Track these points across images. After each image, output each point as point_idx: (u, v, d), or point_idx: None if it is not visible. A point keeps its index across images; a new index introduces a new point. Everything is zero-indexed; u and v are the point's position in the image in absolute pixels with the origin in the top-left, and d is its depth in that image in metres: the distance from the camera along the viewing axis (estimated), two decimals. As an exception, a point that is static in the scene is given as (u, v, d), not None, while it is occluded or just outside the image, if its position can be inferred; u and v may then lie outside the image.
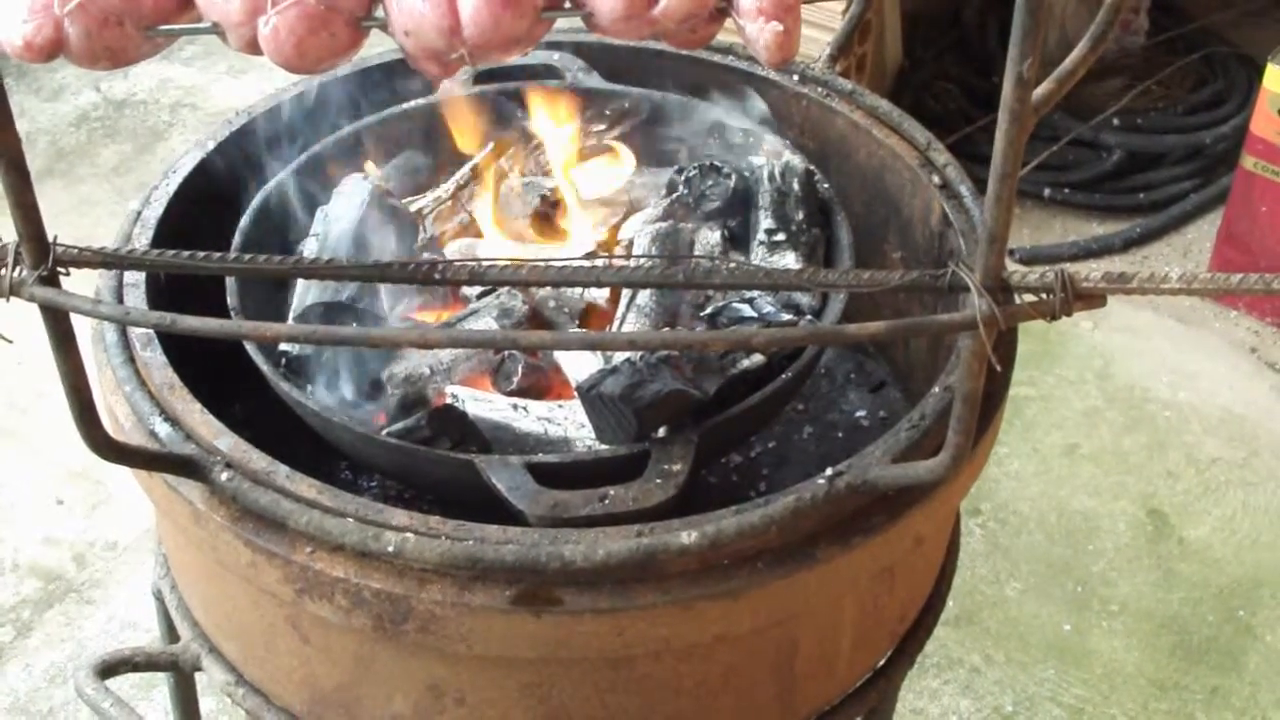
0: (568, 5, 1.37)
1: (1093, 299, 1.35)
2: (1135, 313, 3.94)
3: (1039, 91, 1.24)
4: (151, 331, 1.69)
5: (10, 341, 1.42)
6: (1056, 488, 3.51)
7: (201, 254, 1.33)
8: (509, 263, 1.32)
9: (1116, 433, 3.65)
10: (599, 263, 1.69)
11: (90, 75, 4.98)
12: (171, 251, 1.33)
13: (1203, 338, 3.94)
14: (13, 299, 1.32)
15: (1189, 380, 3.79)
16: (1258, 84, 3.76)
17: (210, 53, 5.06)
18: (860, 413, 2.09)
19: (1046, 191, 4.26)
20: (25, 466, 3.63)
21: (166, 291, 1.80)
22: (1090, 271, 1.35)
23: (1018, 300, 1.34)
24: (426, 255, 1.88)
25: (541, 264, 1.32)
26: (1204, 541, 3.38)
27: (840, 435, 2.06)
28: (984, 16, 4.60)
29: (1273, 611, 3.22)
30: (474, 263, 1.33)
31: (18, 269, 1.32)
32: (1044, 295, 1.33)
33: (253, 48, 1.35)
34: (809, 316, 1.72)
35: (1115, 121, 4.25)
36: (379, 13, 1.36)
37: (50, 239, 1.31)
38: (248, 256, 1.32)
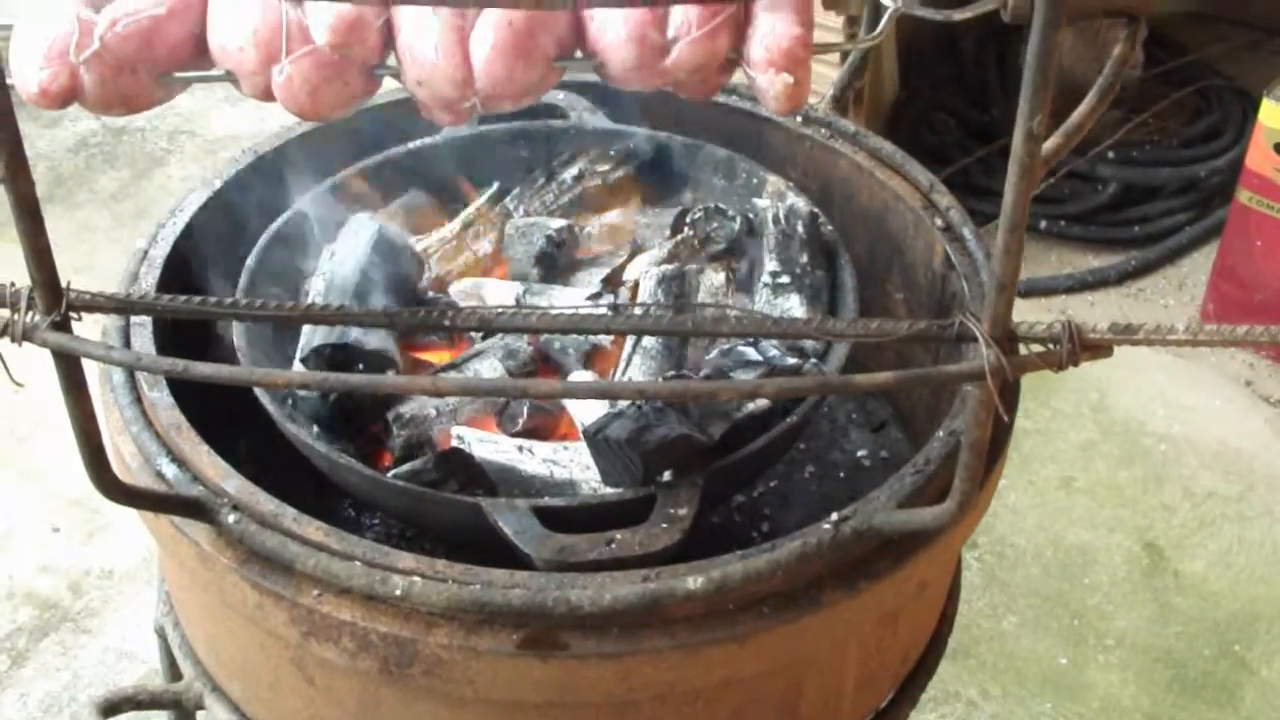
0: (579, 55, 1.38)
1: (1099, 349, 1.36)
2: (1131, 348, 3.94)
3: (1047, 145, 1.24)
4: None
5: (21, 386, 1.43)
6: (1053, 521, 3.51)
7: (213, 300, 1.33)
8: (518, 309, 1.33)
9: (1112, 466, 3.66)
10: (607, 310, 1.70)
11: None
12: (183, 297, 1.34)
13: (1198, 371, 3.95)
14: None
15: (1184, 413, 3.80)
16: (1252, 117, 3.78)
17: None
18: (862, 452, 2.10)
19: (1042, 224, 4.27)
20: (22, 494, 3.62)
21: (173, 328, 1.80)
22: (1096, 321, 1.36)
23: (1024, 350, 1.35)
24: (434, 296, 1.89)
25: (551, 311, 1.32)
26: (1200, 576, 3.39)
27: (842, 475, 2.06)
28: (980, 48, 4.62)
29: (1268, 646, 3.23)
30: (483, 309, 1.33)
31: (30, 313, 1.33)
32: (1051, 345, 1.34)
33: (267, 95, 1.36)
34: (814, 360, 1.73)
35: (1110, 154, 4.27)
36: (391, 61, 1.37)
37: (64, 284, 1.32)
38: (258, 302, 1.33)
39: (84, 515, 3.57)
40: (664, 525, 1.55)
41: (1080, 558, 3.43)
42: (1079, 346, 1.33)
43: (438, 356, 1.87)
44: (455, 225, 1.99)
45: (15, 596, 3.39)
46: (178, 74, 1.37)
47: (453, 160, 2.08)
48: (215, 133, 4.89)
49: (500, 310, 1.33)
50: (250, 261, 1.86)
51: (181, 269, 1.88)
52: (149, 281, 1.83)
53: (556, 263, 1.94)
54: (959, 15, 1.46)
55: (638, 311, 1.41)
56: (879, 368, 2.06)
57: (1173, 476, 3.64)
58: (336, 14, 1.31)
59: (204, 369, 1.28)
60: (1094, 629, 3.27)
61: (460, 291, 1.91)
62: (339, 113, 1.36)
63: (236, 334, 1.77)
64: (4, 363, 1.40)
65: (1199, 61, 4.71)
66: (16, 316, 1.33)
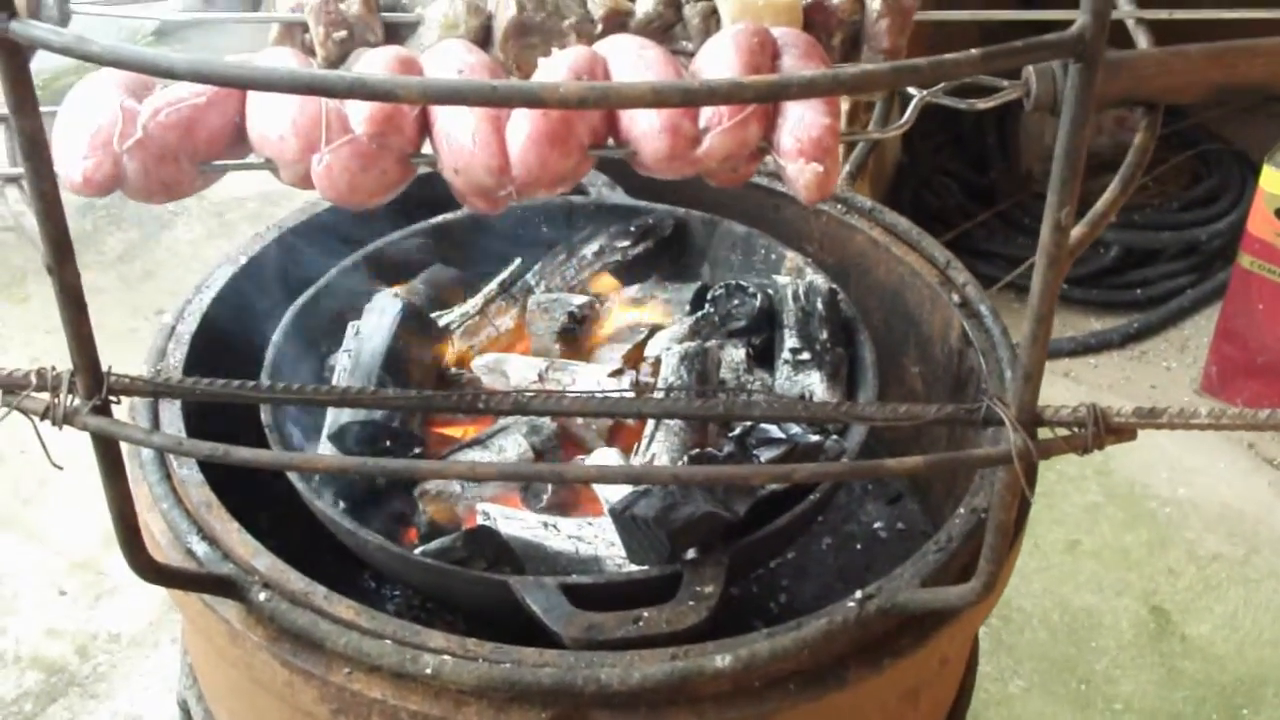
0: (611, 143, 1.41)
1: (1123, 433, 1.38)
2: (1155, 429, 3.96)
3: (1074, 234, 1.27)
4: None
5: (61, 469, 1.44)
6: (1059, 584, 3.52)
7: (250, 384, 1.35)
8: (551, 394, 1.35)
9: (1117, 529, 3.67)
10: (638, 392, 1.72)
11: None
12: (220, 381, 1.35)
13: (1201, 434, 3.96)
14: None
15: (1188, 476, 3.81)
16: (1251, 180, 3.81)
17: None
18: (878, 524, 2.11)
19: (1045, 285, 4.29)
20: (28, 556, 3.62)
21: (199, 405, 1.82)
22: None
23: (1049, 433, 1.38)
24: (457, 372, 1.91)
25: (583, 395, 1.35)
26: (1206, 639, 3.40)
27: (859, 547, 2.08)
28: (980, 112, 4.66)
29: (1276, 710, 3.23)
30: (517, 394, 1.35)
31: (70, 397, 1.35)
32: (1076, 429, 1.36)
33: (305, 183, 1.39)
34: (834, 436, 1.75)
35: (1112, 218, 4.30)
36: (427, 149, 1.40)
37: (105, 369, 1.34)
38: (295, 386, 1.35)
39: (90, 578, 3.57)
40: (691, 603, 1.57)
41: (1087, 621, 3.43)
42: (1104, 430, 1.36)
43: (460, 430, 1.88)
44: (477, 301, 2.01)
45: (22, 660, 3.38)
46: (217, 162, 1.40)
47: (474, 236, 2.11)
48: (221, 195, 4.91)
49: (534, 395, 1.35)
50: (276, 337, 1.88)
51: (208, 344, 1.90)
52: (177, 358, 1.85)
53: (578, 338, 1.96)
54: (982, 104, 1.49)
55: (664, 394, 1.42)
56: (897, 443, 2.09)
57: (1177, 539, 3.65)
58: (374, 104, 1.34)
59: (244, 454, 1.29)
60: (1101, 693, 3.27)
61: (483, 366, 1.93)
62: (376, 200, 1.38)
63: (264, 411, 1.79)
64: (43, 444, 1.42)
65: (1198, 125, 4.75)
66: (57, 399, 1.35)
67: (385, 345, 1.81)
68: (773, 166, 1.42)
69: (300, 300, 1.94)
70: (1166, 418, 1.37)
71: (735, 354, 1.92)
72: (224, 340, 1.92)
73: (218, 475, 1.70)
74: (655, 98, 1.05)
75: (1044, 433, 1.40)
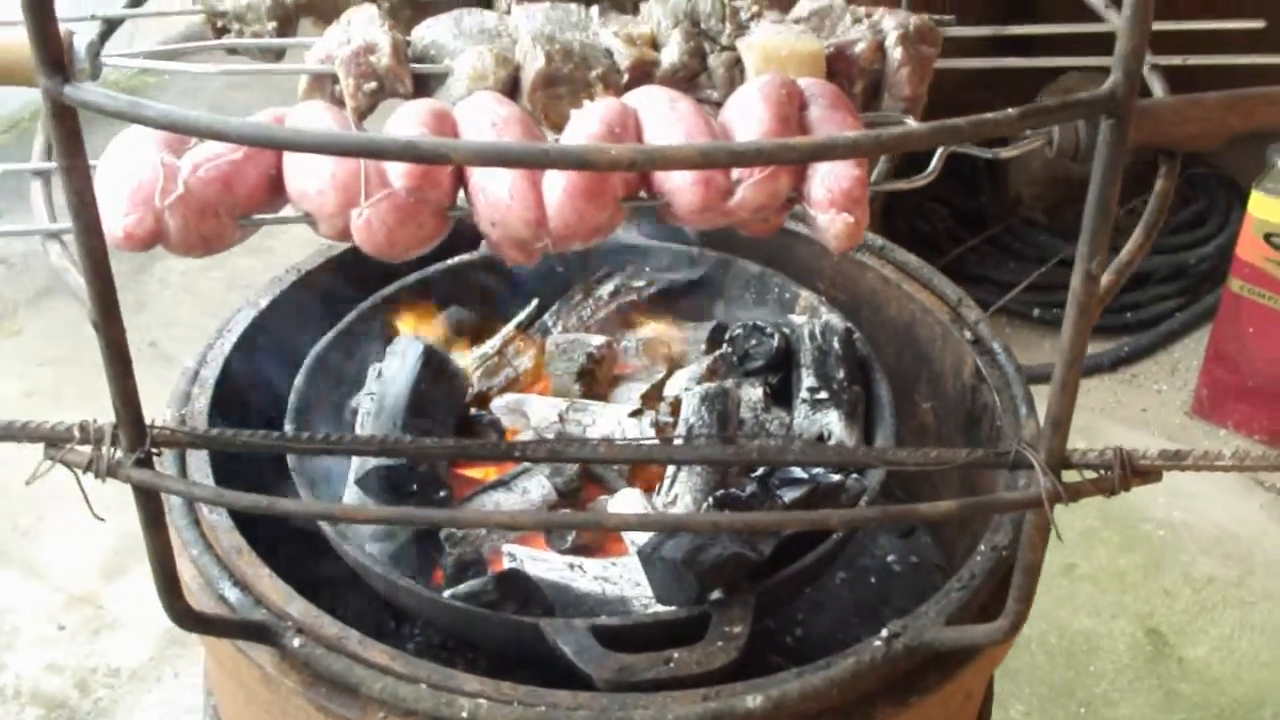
0: (644, 195, 1.43)
1: (1149, 475, 1.41)
2: (1128, 433, 4.01)
3: (1102, 283, 1.29)
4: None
5: (103, 520, 1.46)
6: (1057, 608, 3.55)
7: (289, 435, 1.37)
8: (585, 440, 1.37)
9: (1113, 552, 3.70)
10: (668, 438, 1.74)
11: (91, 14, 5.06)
12: (261, 433, 1.37)
13: (1193, 457, 4.00)
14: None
15: (1183, 500, 3.85)
16: (1237, 204, 3.86)
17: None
18: (891, 557, 2.14)
19: (1036, 312, 4.34)
20: (26, 590, 3.62)
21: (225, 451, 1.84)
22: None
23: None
24: (478, 414, 1.93)
25: (616, 442, 1.37)
26: (1203, 661, 3.43)
27: (873, 580, 2.10)
28: (969, 138, 4.70)
29: (1273, 733, 3.27)
30: (553, 442, 1.38)
31: (113, 449, 1.37)
32: (1103, 472, 1.39)
33: (344, 236, 1.41)
34: (855, 475, 1.77)
35: (1136, 265, 4.34)
36: (463, 201, 1.42)
37: (149, 422, 1.35)
38: (334, 436, 1.37)
39: (89, 612, 3.57)
40: (720, 643, 1.59)
41: (1085, 645, 3.46)
42: (1130, 473, 1.39)
43: (481, 471, 1.90)
44: (496, 342, 2.03)
45: (22, 696, 3.38)
46: (256, 216, 1.42)
47: (492, 276, 2.13)
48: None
49: (567, 442, 1.38)
50: (298, 381, 1.90)
51: (231, 388, 1.92)
52: (201, 403, 1.86)
53: (597, 379, 1.98)
54: (1005, 153, 1.52)
55: (692, 439, 1.45)
56: (912, 479, 2.12)
57: (1172, 562, 3.68)
58: (411, 158, 1.36)
59: (287, 505, 1.31)
60: (1100, 716, 3.30)
61: (503, 407, 1.95)
62: (414, 252, 1.40)
63: (290, 455, 1.81)
64: (86, 499, 1.44)
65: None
66: (100, 452, 1.37)
67: (409, 389, 1.83)
68: (801, 215, 1.45)
69: (321, 343, 1.96)
70: (1191, 459, 1.40)
71: (753, 393, 1.94)
72: (247, 384, 1.94)
73: (217, 464, 1.73)
74: (703, 159, 1.07)
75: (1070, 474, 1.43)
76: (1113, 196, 1.23)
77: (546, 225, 1.37)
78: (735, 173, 1.39)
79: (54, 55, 1.15)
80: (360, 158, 1.17)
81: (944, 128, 1.11)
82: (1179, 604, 3.58)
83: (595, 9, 1.65)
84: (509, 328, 2.05)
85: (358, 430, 1.87)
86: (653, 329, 2.07)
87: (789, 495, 1.72)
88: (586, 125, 1.41)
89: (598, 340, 2.01)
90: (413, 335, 1.95)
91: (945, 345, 2.04)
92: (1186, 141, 1.47)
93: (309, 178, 1.38)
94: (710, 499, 1.71)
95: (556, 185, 1.36)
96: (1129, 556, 3.70)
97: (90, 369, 1.49)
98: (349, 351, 1.98)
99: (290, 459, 1.79)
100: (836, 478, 1.75)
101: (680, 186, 1.38)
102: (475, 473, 1.91)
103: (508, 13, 1.71)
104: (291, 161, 1.39)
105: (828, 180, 1.39)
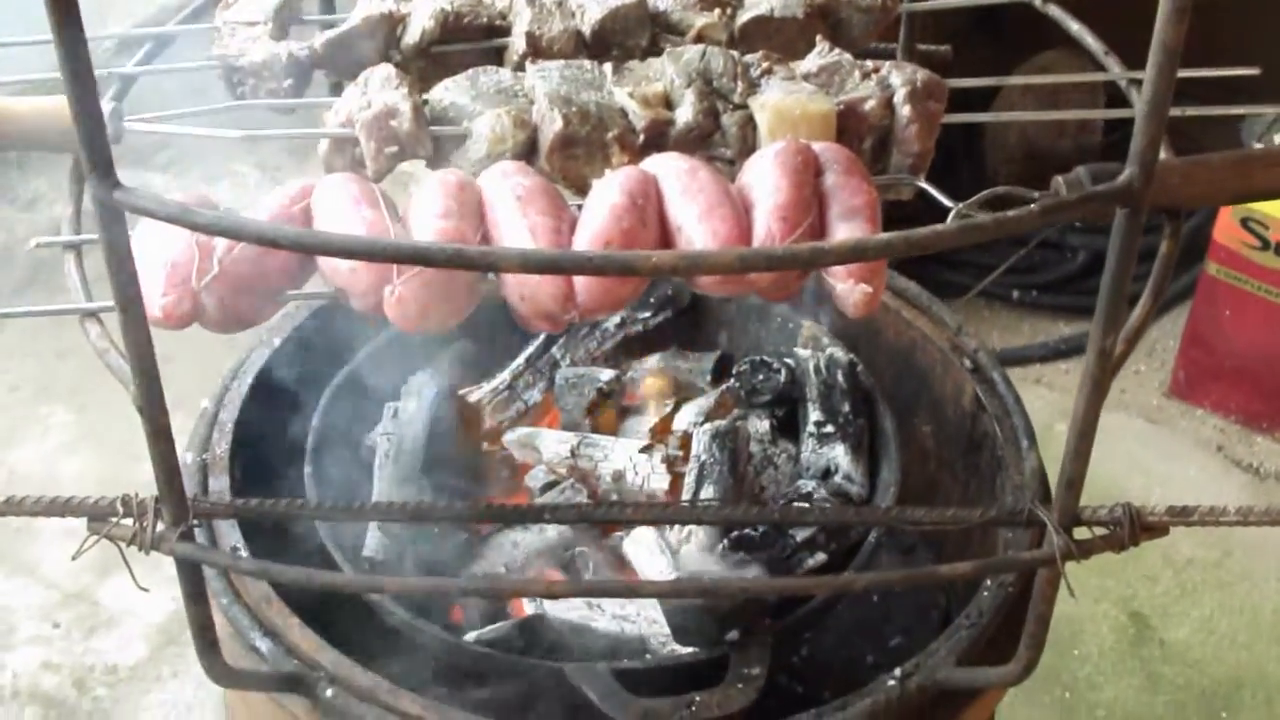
0: (666, 263, 1.47)
1: (1156, 529, 1.47)
2: (1107, 415, 4.02)
3: (1116, 353, 1.34)
4: (243, 541, 1.76)
5: (146, 590, 1.50)
6: (1039, 591, 3.62)
7: (326, 504, 1.41)
8: (610, 505, 1.42)
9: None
10: (664, 465, 1.79)
11: (63, 185, 5.04)
12: (299, 501, 1.42)
13: (1172, 437, 4.08)
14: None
15: (1161, 481, 3.92)
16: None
17: (183, 158, 5.08)
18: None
19: (1015, 294, 4.39)
20: (19, 588, 3.62)
21: (243, 481, 1.88)
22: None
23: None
24: (491, 449, 1.97)
25: (644, 503, 1.41)
26: (1185, 643, 3.51)
27: (875, 599, 2.15)
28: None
29: (1254, 713, 3.35)
30: (580, 505, 1.42)
31: (157, 522, 1.41)
32: (1113, 528, 1.45)
33: (377, 311, 1.44)
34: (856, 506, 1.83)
35: (1078, 223, 4.39)
36: (492, 274, 1.45)
37: (190, 497, 1.39)
38: (370, 505, 1.41)
39: (84, 609, 3.59)
40: (739, 685, 1.64)
41: (1068, 629, 3.53)
42: (1139, 528, 1.44)
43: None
44: (505, 376, 2.07)
45: (20, 695, 3.40)
46: (290, 293, 1.45)
47: (499, 310, 2.16)
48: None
49: (597, 505, 1.42)
50: (315, 421, 1.94)
51: (248, 429, 1.95)
52: (222, 448, 1.89)
53: (606, 412, 2.02)
54: (1013, 214, 1.56)
55: (704, 503, 1.49)
56: (926, 502, 2.15)
57: (1153, 545, 3.71)
58: (440, 234, 1.39)
59: (333, 578, 1.36)
60: (1085, 700, 3.38)
61: (515, 441, 1.99)
62: (445, 326, 1.44)
63: (309, 485, 1.85)
64: (131, 571, 1.48)
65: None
66: (143, 526, 1.41)
67: (425, 432, 1.87)
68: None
69: (335, 381, 2.00)
70: (1198, 515, 1.46)
71: (760, 425, 1.99)
72: (264, 424, 1.98)
73: (246, 528, 1.77)
74: (741, 264, 1.11)
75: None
76: (1126, 279, 1.28)
77: (575, 300, 1.40)
78: (755, 243, 1.42)
79: (103, 159, 1.18)
80: (410, 264, 1.20)
81: (970, 227, 1.16)
82: (1160, 586, 3.65)
83: (609, 65, 1.68)
84: (518, 362, 2.09)
85: (376, 471, 1.91)
86: (659, 359, 2.11)
87: (801, 535, 1.77)
88: (609, 195, 1.43)
89: (607, 374, 2.04)
90: (426, 374, 1.98)
91: (945, 371, 2.09)
92: (1190, 201, 1.52)
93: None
94: (725, 541, 1.76)
95: (585, 263, 1.39)
96: (1110, 540, 3.76)
97: (73, 361, 1.51)
98: (364, 388, 2.01)
99: (309, 487, 1.83)
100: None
101: (703, 260, 1.41)
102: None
103: (521, 69, 1.75)
104: (323, 238, 1.42)
105: (846, 250, 1.42)
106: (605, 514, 1.39)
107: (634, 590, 1.56)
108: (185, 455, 1.91)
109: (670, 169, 1.48)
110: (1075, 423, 1.37)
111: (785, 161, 1.47)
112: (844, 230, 1.44)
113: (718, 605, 1.67)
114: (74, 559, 1.41)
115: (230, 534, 1.76)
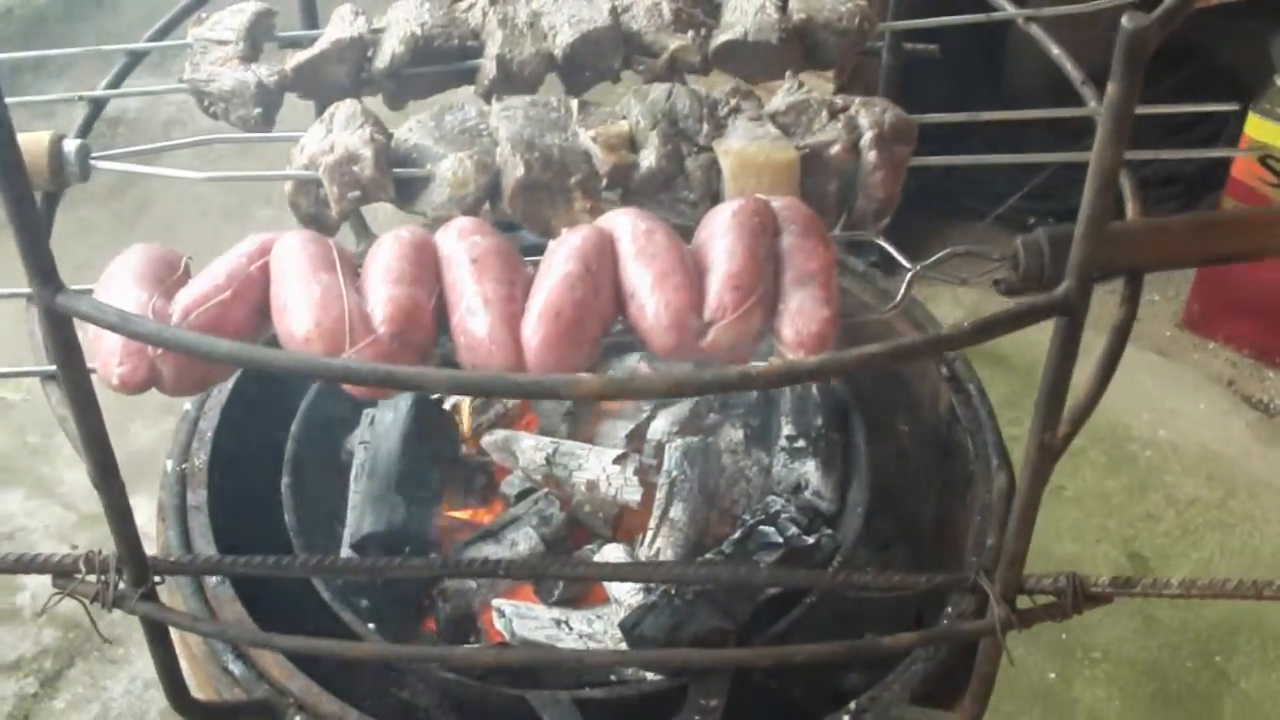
0: (620, 327, 1.48)
1: (1100, 599, 1.50)
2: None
3: (1059, 436, 1.35)
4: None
5: (109, 641, 1.54)
6: (1041, 531, 3.56)
7: (299, 559, 1.44)
8: (589, 564, 1.44)
9: (1099, 474, 3.78)
10: (637, 480, 1.81)
11: (80, 91, 5.05)
12: (272, 558, 1.44)
13: (1182, 371, 4.07)
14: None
15: (1169, 418, 3.92)
16: (1237, 104, 3.79)
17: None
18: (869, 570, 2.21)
19: (1031, 220, 4.35)
20: (37, 508, 3.69)
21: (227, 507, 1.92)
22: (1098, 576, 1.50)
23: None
24: (468, 453, 1.99)
25: (598, 565, 1.44)
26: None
27: (848, 593, 2.18)
28: (966, 30, 4.65)
29: (1248, 657, 3.38)
30: (564, 561, 1.45)
31: (118, 579, 1.45)
32: (1056, 598, 1.47)
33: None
34: (829, 532, 1.85)
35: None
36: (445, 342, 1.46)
37: (150, 558, 1.43)
38: (336, 561, 1.44)
39: (100, 532, 3.65)
40: (697, 717, 1.68)
41: (1068, 569, 3.56)
42: (1082, 599, 1.46)
43: (469, 514, 1.99)
44: (484, 379, 2.08)
45: (40, 617, 3.49)
46: (246, 355, 1.46)
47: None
48: (210, 122, 4.91)
49: (551, 562, 1.45)
50: (295, 429, 1.97)
51: (228, 438, 1.98)
52: (201, 459, 1.93)
53: (583, 419, 2.04)
54: (976, 280, 1.56)
55: (661, 563, 1.51)
56: (900, 497, 2.17)
57: (1157, 484, 3.77)
58: (392, 302, 1.40)
59: (331, 646, 1.39)
60: (1081, 643, 3.42)
61: (493, 444, 2.01)
62: (399, 392, 1.46)
63: (286, 497, 1.89)
64: (95, 625, 1.52)
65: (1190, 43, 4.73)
66: (105, 579, 1.45)
67: (401, 440, 1.90)
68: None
69: (312, 390, 2.01)
70: (1140, 587, 1.48)
71: (734, 434, 2.00)
72: (243, 433, 2.00)
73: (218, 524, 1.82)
74: (675, 390, 1.12)
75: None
76: (1066, 380, 1.28)
77: (526, 368, 1.41)
78: (708, 314, 1.42)
79: (45, 266, 1.20)
80: (377, 386, 1.22)
81: (902, 348, 1.16)
82: (1161, 527, 3.67)
83: (575, 103, 1.67)
84: (498, 364, 2.10)
85: (352, 483, 1.94)
86: (639, 359, 2.12)
87: (766, 558, 1.80)
88: (563, 264, 1.43)
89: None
90: (404, 382, 2.00)
91: (923, 376, 2.10)
92: (1151, 264, 1.51)
93: (296, 324, 1.41)
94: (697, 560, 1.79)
95: (535, 335, 1.40)
96: (1115, 478, 3.78)
97: (99, 273, 1.53)
98: (342, 395, 2.03)
99: (289, 516, 1.87)
100: (810, 540, 1.83)
101: (654, 328, 1.41)
102: (464, 514, 1.99)
103: (492, 94, 1.74)
104: (278, 306, 1.44)
105: (797, 321, 1.42)
106: (559, 570, 1.42)
107: (581, 660, 1.59)
108: (166, 463, 1.94)
109: (628, 229, 1.47)
110: (1017, 507, 1.38)
111: (743, 223, 1.46)
112: (797, 298, 1.44)
113: (678, 640, 1.71)
114: (39, 615, 1.45)
115: (205, 548, 1.81)
